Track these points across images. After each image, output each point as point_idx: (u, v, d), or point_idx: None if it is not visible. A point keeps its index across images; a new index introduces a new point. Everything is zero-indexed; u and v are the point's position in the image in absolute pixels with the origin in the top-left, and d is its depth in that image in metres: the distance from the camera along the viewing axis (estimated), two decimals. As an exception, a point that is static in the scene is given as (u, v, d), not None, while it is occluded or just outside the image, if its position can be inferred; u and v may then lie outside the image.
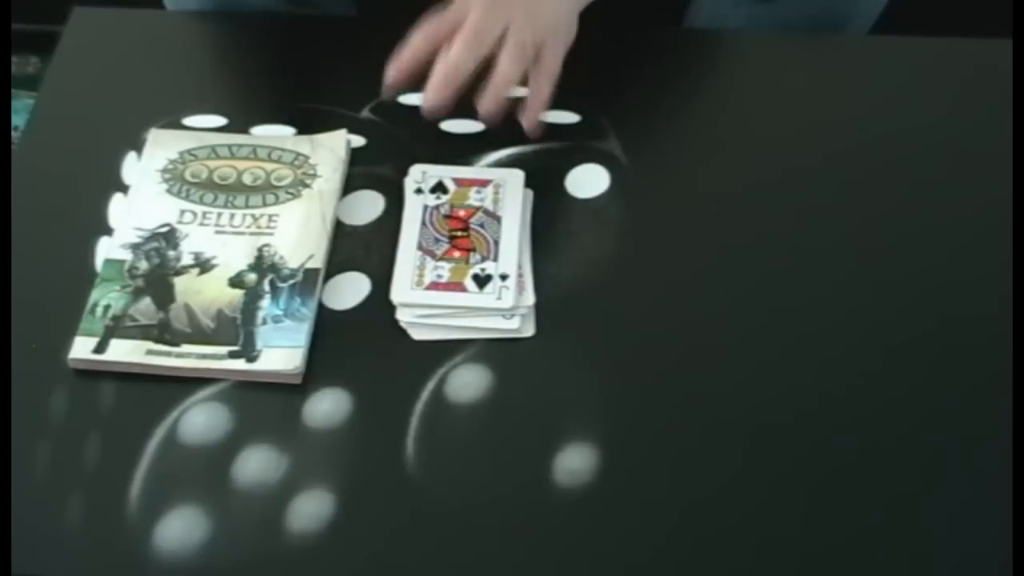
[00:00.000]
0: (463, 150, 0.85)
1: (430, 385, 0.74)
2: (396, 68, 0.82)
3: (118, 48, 0.93)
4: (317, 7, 1.01)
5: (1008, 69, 0.87)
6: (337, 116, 0.87)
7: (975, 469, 0.71)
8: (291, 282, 0.77)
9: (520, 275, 0.78)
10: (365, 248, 0.80)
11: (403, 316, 0.76)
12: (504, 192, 0.82)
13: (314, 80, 0.90)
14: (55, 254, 0.80)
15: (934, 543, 0.68)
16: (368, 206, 0.83)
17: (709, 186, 0.84)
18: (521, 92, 0.83)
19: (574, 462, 0.71)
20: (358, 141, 0.86)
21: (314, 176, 0.83)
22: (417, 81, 0.82)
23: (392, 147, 0.86)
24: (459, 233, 0.80)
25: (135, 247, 0.79)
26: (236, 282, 0.77)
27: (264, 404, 0.73)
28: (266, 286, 0.77)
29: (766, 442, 0.72)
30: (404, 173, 0.84)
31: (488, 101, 0.82)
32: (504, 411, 0.73)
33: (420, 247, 0.79)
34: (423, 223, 0.80)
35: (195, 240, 0.79)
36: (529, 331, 0.76)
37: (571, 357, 0.75)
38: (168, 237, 0.80)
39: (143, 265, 0.78)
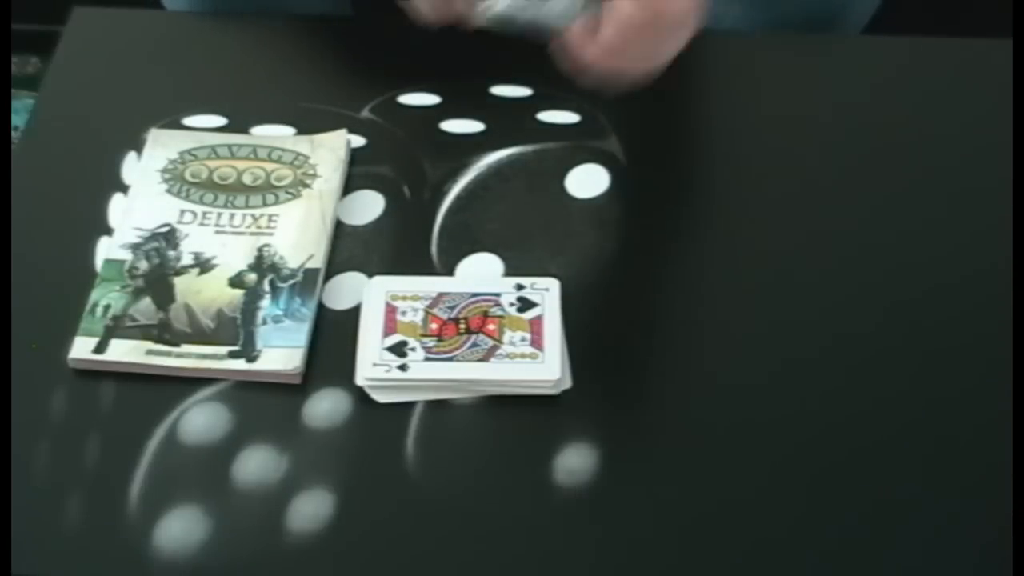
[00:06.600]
0: (463, 150, 0.85)
1: (430, 385, 0.74)
2: None
3: (118, 48, 0.93)
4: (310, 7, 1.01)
5: (1008, 69, 0.87)
6: (337, 116, 0.87)
7: (978, 470, 0.70)
8: (291, 282, 0.77)
9: None
10: (365, 248, 0.80)
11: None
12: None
13: (314, 80, 0.90)
14: (55, 254, 0.80)
15: (935, 546, 0.68)
16: (368, 206, 0.83)
17: (709, 186, 0.84)
18: None
19: (574, 462, 0.71)
20: (358, 141, 0.86)
21: (314, 176, 0.83)
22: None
23: (392, 147, 0.86)
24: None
25: (135, 247, 0.79)
26: (236, 282, 0.77)
27: (264, 404, 0.73)
28: (266, 286, 0.77)
29: (767, 443, 0.72)
30: (404, 173, 0.84)
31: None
32: (504, 411, 0.73)
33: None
34: None
35: (195, 240, 0.79)
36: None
37: (571, 357, 0.74)
38: (168, 237, 0.80)
39: (143, 265, 0.78)
